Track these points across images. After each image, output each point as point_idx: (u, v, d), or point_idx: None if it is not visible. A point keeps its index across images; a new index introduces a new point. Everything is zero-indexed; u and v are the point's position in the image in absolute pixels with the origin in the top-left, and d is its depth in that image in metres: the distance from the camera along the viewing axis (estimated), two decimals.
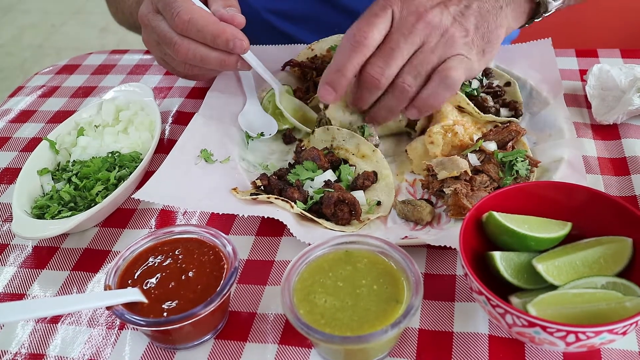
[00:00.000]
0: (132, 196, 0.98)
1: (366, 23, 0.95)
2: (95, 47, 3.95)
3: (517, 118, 1.09)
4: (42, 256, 0.96)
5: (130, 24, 1.47)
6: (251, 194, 0.95)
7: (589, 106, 1.12)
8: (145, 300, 0.75)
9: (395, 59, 0.94)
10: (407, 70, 0.94)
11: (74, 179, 1.02)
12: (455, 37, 0.93)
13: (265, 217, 0.90)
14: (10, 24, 4.88)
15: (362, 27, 0.95)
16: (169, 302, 0.75)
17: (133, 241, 0.83)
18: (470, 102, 1.05)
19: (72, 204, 0.99)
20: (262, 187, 0.98)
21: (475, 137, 1.02)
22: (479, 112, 1.05)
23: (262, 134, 1.12)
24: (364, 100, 1.00)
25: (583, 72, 1.22)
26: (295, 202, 0.93)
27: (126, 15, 1.46)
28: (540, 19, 1.08)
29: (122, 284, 0.78)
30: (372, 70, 0.95)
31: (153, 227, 1.00)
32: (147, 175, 1.03)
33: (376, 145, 1.04)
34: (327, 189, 0.95)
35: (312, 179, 0.98)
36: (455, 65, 0.92)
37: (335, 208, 0.93)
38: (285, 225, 0.89)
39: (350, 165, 1.02)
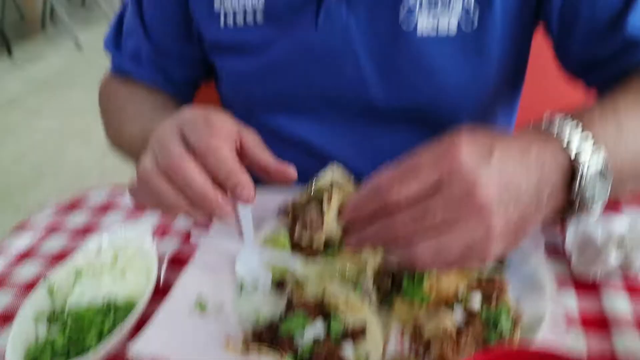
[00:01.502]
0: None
1: (402, 178, 0.80)
2: (96, 169, 4.04)
3: (501, 264, 1.13)
4: None
5: (126, 151, 1.47)
6: (242, 349, 0.97)
7: (569, 258, 1.16)
8: None
9: (424, 223, 0.80)
10: (427, 244, 0.81)
11: (67, 328, 1.04)
12: (491, 237, 0.80)
13: None
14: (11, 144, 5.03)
15: (392, 181, 0.80)
16: None
17: None
18: None
19: (65, 357, 1.00)
20: (252, 341, 0.99)
21: (461, 288, 1.06)
22: None
23: (256, 286, 1.14)
24: (371, 235, 0.85)
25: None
26: (284, 357, 0.94)
27: (125, 142, 1.45)
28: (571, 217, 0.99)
29: None
30: (399, 224, 0.81)
31: None
32: (141, 321, 1.04)
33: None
34: (316, 343, 0.97)
35: (303, 332, 1.00)
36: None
37: None
38: None
39: (339, 316, 1.05)
